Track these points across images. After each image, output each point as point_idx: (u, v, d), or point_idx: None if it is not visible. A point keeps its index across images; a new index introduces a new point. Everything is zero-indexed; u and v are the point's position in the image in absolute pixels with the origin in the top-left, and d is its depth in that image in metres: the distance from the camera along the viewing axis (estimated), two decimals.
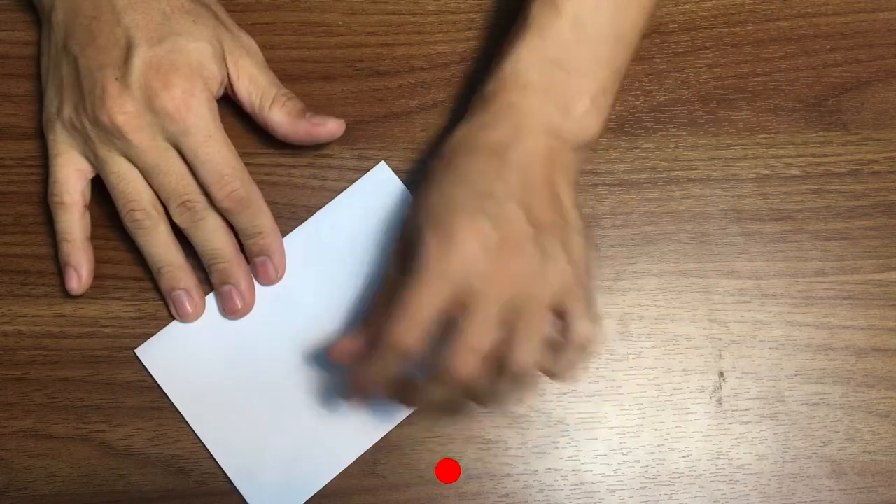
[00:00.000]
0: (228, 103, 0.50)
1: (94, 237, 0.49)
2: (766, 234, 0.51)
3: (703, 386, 0.49)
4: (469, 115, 0.46)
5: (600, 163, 0.52)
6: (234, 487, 0.47)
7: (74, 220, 0.48)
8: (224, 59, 0.48)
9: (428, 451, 0.48)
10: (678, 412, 0.49)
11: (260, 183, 0.49)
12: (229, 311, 0.48)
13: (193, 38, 0.46)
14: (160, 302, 0.49)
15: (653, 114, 0.53)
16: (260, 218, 0.48)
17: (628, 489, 0.48)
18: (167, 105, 0.45)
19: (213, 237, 0.48)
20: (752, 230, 0.51)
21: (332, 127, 0.49)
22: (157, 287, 0.49)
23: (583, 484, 0.48)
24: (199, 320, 0.49)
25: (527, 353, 0.41)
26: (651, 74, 0.53)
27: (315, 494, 0.47)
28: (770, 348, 0.50)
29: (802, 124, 0.53)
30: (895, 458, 0.49)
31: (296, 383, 0.48)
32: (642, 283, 0.51)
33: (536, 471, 0.48)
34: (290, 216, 0.50)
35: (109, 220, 0.49)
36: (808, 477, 0.48)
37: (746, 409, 0.49)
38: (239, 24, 0.51)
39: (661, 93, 0.53)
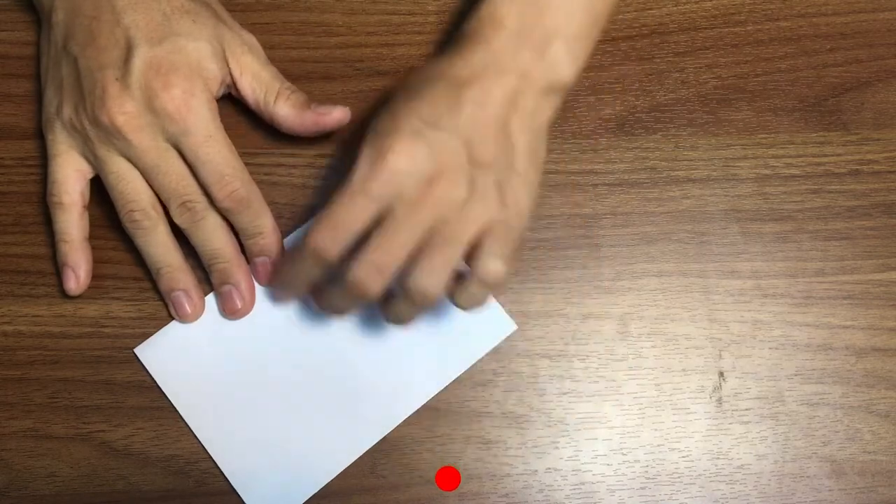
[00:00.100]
0: (229, 103, 0.50)
1: (93, 237, 0.49)
2: (766, 234, 0.51)
3: (703, 386, 0.49)
4: (446, 51, 0.47)
5: (600, 163, 0.52)
6: (234, 488, 0.47)
7: (73, 221, 0.48)
8: (225, 59, 0.48)
9: (428, 451, 0.48)
10: (678, 412, 0.49)
11: (260, 183, 0.49)
12: (229, 311, 0.48)
13: (193, 37, 0.46)
14: (160, 302, 0.49)
15: (653, 114, 0.53)
16: (260, 218, 0.48)
17: (628, 489, 0.48)
18: (167, 105, 0.45)
19: (214, 237, 0.48)
20: (752, 230, 0.51)
21: (337, 115, 0.49)
22: (156, 287, 0.49)
23: (583, 484, 0.48)
24: (198, 320, 0.49)
25: (427, 281, 0.43)
26: (651, 74, 0.53)
27: (314, 495, 0.47)
28: (770, 348, 0.50)
29: (802, 124, 0.53)
30: (895, 458, 0.49)
31: (295, 384, 0.48)
32: (642, 283, 0.51)
33: (536, 471, 0.48)
34: (290, 216, 0.51)
35: (109, 220, 0.49)
36: (808, 477, 0.48)
37: (746, 409, 0.49)
38: (239, 25, 0.51)
39: (661, 93, 0.53)
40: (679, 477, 0.48)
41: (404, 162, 0.42)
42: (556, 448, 0.48)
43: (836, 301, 0.51)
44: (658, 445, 0.49)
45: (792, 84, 0.54)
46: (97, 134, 0.46)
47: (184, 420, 0.48)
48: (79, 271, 0.48)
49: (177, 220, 0.47)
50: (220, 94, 0.49)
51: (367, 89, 0.53)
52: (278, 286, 0.48)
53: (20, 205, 0.50)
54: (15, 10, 0.53)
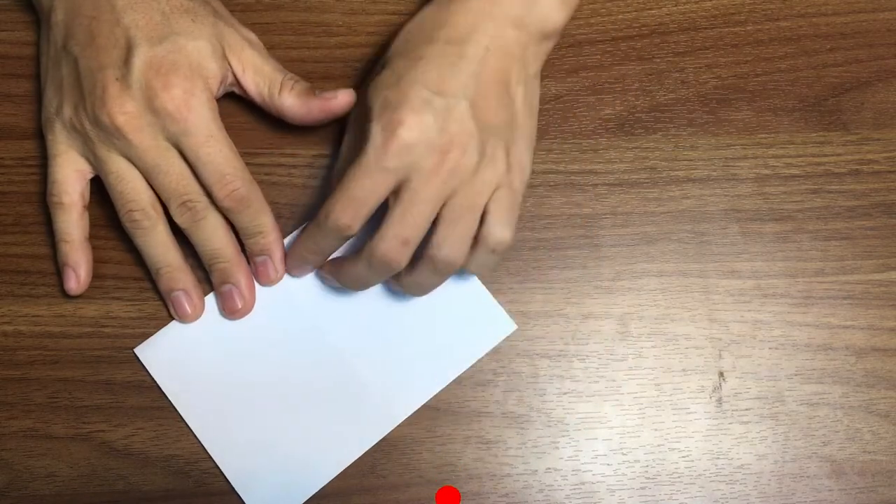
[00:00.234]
0: (229, 103, 0.50)
1: (93, 237, 0.49)
2: (766, 234, 0.51)
3: (703, 386, 0.49)
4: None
5: (600, 163, 0.52)
6: (234, 488, 0.47)
7: (73, 221, 0.48)
8: (225, 57, 0.48)
9: (428, 451, 0.48)
10: (678, 412, 0.49)
11: (260, 183, 0.49)
12: (229, 310, 0.48)
13: (193, 37, 0.46)
14: (160, 302, 0.49)
15: (653, 114, 0.53)
16: (261, 217, 0.48)
17: (628, 489, 0.48)
18: (168, 105, 0.45)
19: (214, 237, 0.48)
20: (752, 230, 0.51)
21: (343, 98, 0.48)
22: (157, 287, 0.49)
23: (583, 484, 0.48)
24: (198, 320, 0.49)
25: (451, 250, 0.44)
26: (651, 74, 0.53)
27: (314, 495, 0.47)
28: (770, 348, 0.50)
29: (802, 124, 0.53)
30: (895, 458, 0.49)
31: (295, 384, 0.48)
32: (642, 283, 0.51)
33: (536, 471, 0.48)
34: (290, 216, 0.51)
35: (109, 220, 0.49)
36: (808, 477, 0.48)
37: (746, 409, 0.49)
38: (238, 21, 0.51)
39: (661, 93, 0.53)
40: (679, 477, 0.48)
41: (416, 135, 0.43)
42: (556, 448, 0.48)
43: (836, 301, 0.51)
44: (658, 445, 0.49)
45: (792, 84, 0.54)
46: (97, 134, 0.46)
47: (184, 420, 0.48)
48: (79, 271, 0.48)
49: (177, 220, 0.47)
50: (221, 93, 0.49)
51: None
52: (295, 261, 0.49)
53: (20, 205, 0.50)
54: (15, 10, 0.53)
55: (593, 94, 0.53)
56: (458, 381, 0.49)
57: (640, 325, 0.50)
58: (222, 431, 0.47)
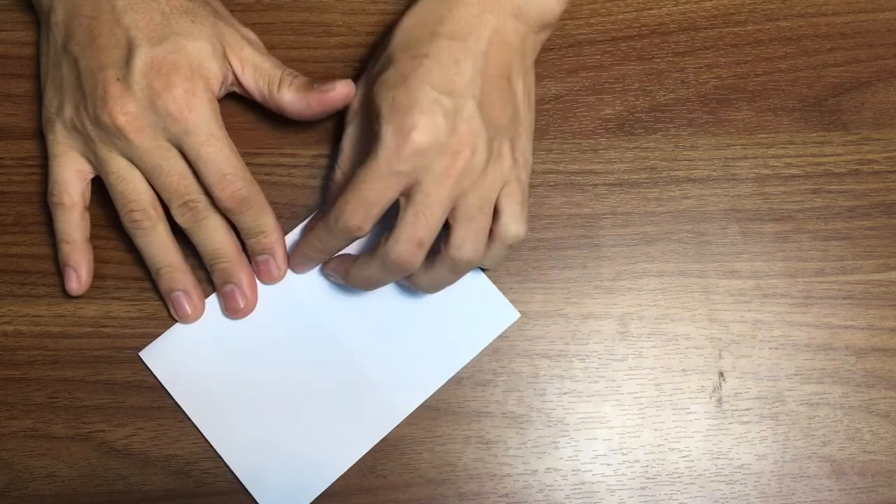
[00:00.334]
0: (229, 103, 0.50)
1: (93, 237, 0.49)
2: (766, 234, 0.51)
3: (703, 386, 0.49)
4: None
5: (600, 163, 0.52)
6: (234, 487, 0.47)
7: (74, 222, 0.48)
8: (226, 56, 0.48)
9: (428, 451, 0.48)
10: (678, 412, 0.49)
11: (260, 183, 0.49)
12: (231, 310, 0.48)
13: (193, 37, 0.46)
14: (160, 302, 0.49)
15: (653, 114, 0.53)
16: (262, 217, 0.48)
17: (628, 489, 0.48)
18: (169, 105, 0.45)
19: (215, 237, 0.48)
20: (752, 230, 0.51)
21: (341, 89, 0.48)
22: (157, 287, 0.49)
23: (583, 484, 0.48)
24: (202, 321, 0.49)
25: (468, 249, 0.45)
26: (651, 74, 0.53)
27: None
28: (770, 348, 0.50)
29: (802, 124, 0.53)
30: (895, 458, 0.49)
31: (300, 381, 0.48)
32: (642, 283, 0.51)
33: (536, 471, 0.48)
34: (290, 216, 0.51)
35: (109, 220, 0.49)
36: (808, 477, 0.48)
37: (746, 409, 0.49)
38: (237, 20, 0.51)
39: (661, 93, 0.53)
40: (679, 477, 0.48)
41: (429, 138, 0.43)
42: (556, 448, 0.48)
43: (836, 301, 0.51)
44: (658, 445, 0.49)
45: (792, 84, 0.54)
46: (98, 134, 0.46)
47: (185, 420, 0.48)
48: (80, 271, 0.48)
49: (178, 220, 0.47)
50: (222, 93, 0.49)
51: None
52: (300, 259, 0.49)
53: (20, 205, 0.50)
54: (15, 10, 0.53)
55: (593, 94, 0.53)
56: (458, 381, 0.49)
57: (640, 325, 0.50)
58: (231, 432, 0.47)
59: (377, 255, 0.45)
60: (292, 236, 0.50)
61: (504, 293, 0.50)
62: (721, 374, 0.50)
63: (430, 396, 0.48)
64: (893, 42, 0.55)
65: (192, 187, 0.46)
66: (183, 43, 0.46)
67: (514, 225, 0.46)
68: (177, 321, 0.49)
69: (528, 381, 0.49)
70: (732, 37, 0.54)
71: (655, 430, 0.49)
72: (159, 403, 0.48)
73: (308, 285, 0.49)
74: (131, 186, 0.47)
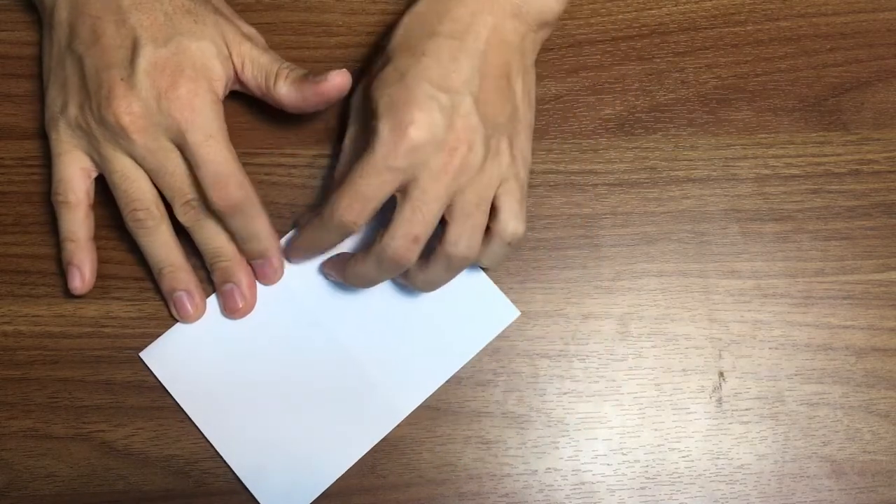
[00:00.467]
0: (230, 103, 0.50)
1: (94, 237, 0.49)
2: (766, 234, 0.51)
3: (703, 386, 0.49)
4: None
5: (600, 163, 0.52)
6: (234, 487, 0.47)
7: (79, 220, 0.48)
8: (228, 55, 0.48)
9: (428, 451, 0.48)
10: (678, 412, 0.49)
11: (260, 183, 0.49)
12: (230, 310, 0.48)
13: (196, 38, 0.46)
14: (160, 302, 0.49)
15: (653, 114, 0.53)
16: (254, 223, 0.47)
17: (628, 489, 0.48)
18: (172, 105, 0.45)
19: (216, 236, 0.48)
20: (752, 230, 0.51)
21: (335, 79, 0.47)
22: (157, 287, 0.49)
23: (583, 484, 0.48)
24: (203, 321, 0.49)
25: (464, 246, 0.45)
26: (651, 74, 0.53)
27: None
28: (770, 348, 0.50)
29: (802, 124, 0.53)
30: (895, 458, 0.49)
31: (301, 380, 0.48)
32: (642, 283, 0.51)
33: (536, 471, 0.48)
34: (290, 216, 0.51)
35: (109, 220, 0.49)
36: (808, 477, 0.48)
37: (746, 409, 0.49)
38: (238, 15, 0.51)
39: (661, 93, 0.53)
40: (679, 477, 0.48)
41: (425, 134, 0.43)
42: (556, 448, 0.48)
43: (836, 301, 0.51)
44: (658, 445, 0.49)
45: (792, 84, 0.54)
46: (103, 133, 0.46)
47: (185, 420, 0.48)
48: (84, 270, 0.48)
49: (180, 219, 0.47)
50: (226, 92, 0.48)
51: None
52: (295, 253, 0.49)
53: (20, 205, 0.50)
54: (15, 10, 0.53)
55: (593, 94, 0.53)
56: (457, 381, 0.49)
57: (640, 325, 0.50)
58: (231, 432, 0.47)
59: (373, 252, 0.45)
60: (289, 237, 0.50)
61: (504, 293, 0.50)
62: (721, 374, 0.50)
63: (430, 396, 0.48)
64: (893, 42, 0.55)
65: (194, 187, 0.46)
66: (187, 44, 0.46)
67: (512, 222, 0.46)
68: (178, 321, 0.49)
69: (528, 381, 0.49)
70: (732, 37, 0.54)
71: (655, 430, 0.49)
72: (159, 403, 0.48)
73: (308, 286, 0.49)
74: (135, 185, 0.47)
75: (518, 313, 0.50)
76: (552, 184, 0.52)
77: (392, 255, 0.44)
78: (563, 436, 0.49)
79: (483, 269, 0.50)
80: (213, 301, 0.49)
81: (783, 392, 0.49)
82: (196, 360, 0.48)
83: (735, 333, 0.50)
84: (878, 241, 0.51)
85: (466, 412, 0.49)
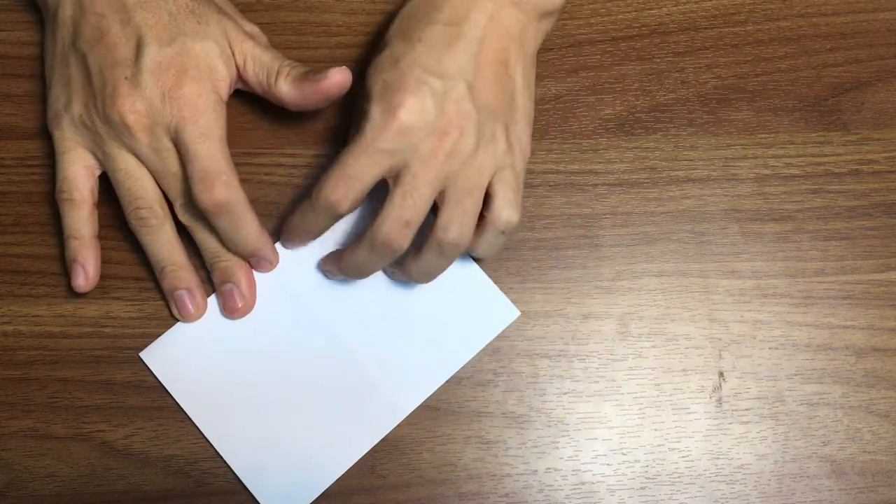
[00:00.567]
0: (230, 104, 0.50)
1: (98, 238, 0.49)
2: (766, 234, 0.51)
3: (703, 386, 0.49)
4: None
5: (600, 163, 0.52)
6: (234, 487, 0.47)
7: (83, 217, 0.48)
8: (232, 55, 0.48)
9: (428, 451, 0.48)
10: (678, 412, 0.49)
11: (260, 183, 0.49)
12: (229, 310, 0.48)
13: (200, 38, 0.47)
14: (160, 302, 0.49)
15: (653, 114, 0.53)
16: (241, 224, 0.46)
17: (628, 489, 0.48)
18: (174, 105, 0.45)
19: (216, 236, 0.48)
20: (752, 230, 0.51)
21: (337, 77, 0.47)
22: (157, 287, 0.49)
23: (583, 484, 0.48)
24: (203, 321, 0.49)
25: (455, 232, 0.45)
26: (651, 74, 0.53)
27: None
28: (770, 348, 0.50)
29: (802, 124, 0.53)
30: (895, 458, 0.49)
31: (301, 380, 0.48)
32: (642, 283, 0.51)
33: (536, 471, 0.48)
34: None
35: (110, 220, 0.49)
36: (808, 477, 0.48)
37: (746, 409, 0.49)
38: (241, 14, 0.51)
39: (661, 93, 0.53)
40: (679, 477, 0.48)
41: (415, 117, 0.44)
42: (556, 448, 0.48)
43: (836, 301, 0.51)
44: (658, 445, 0.49)
45: (792, 84, 0.54)
46: (107, 131, 0.46)
47: (185, 420, 0.48)
48: (88, 268, 0.48)
49: (181, 218, 0.47)
50: (230, 92, 0.48)
51: None
52: (287, 238, 0.49)
53: (20, 205, 0.50)
54: (15, 10, 0.53)
55: (593, 94, 0.53)
56: (457, 381, 0.49)
57: (640, 325, 0.50)
58: (231, 431, 0.47)
59: (366, 238, 0.45)
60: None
61: (504, 293, 0.50)
62: (721, 374, 0.50)
63: (430, 396, 0.48)
64: (893, 42, 0.55)
65: None
66: (191, 44, 0.46)
67: (506, 210, 0.46)
68: (178, 320, 0.49)
69: (528, 381, 0.49)
70: (732, 37, 0.54)
71: (655, 430, 0.49)
72: (159, 403, 0.48)
73: (308, 286, 0.49)
74: (139, 184, 0.47)
75: (518, 313, 0.50)
76: (552, 184, 0.52)
77: (383, 239, 0.44)
78: (563, 436, 0.49)
79: (478, 260, 0.50)
80: (213, 301, 0.49)
81: (783, 392, 0.49)
82: (196, 360, 0.48)
83: (735, 333, 0.50)
84: (878, 241, 0.51)
85: (466, 412, 0.49)
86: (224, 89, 0.47)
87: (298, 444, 0.47)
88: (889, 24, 0.55)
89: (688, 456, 0.49)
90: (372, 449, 0.48)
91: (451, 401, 0.49)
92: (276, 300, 0.49)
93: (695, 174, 0.52)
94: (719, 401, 0.49)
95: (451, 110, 0.44)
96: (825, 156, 0.53)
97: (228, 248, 0.48)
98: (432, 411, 0.48)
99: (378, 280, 0.50)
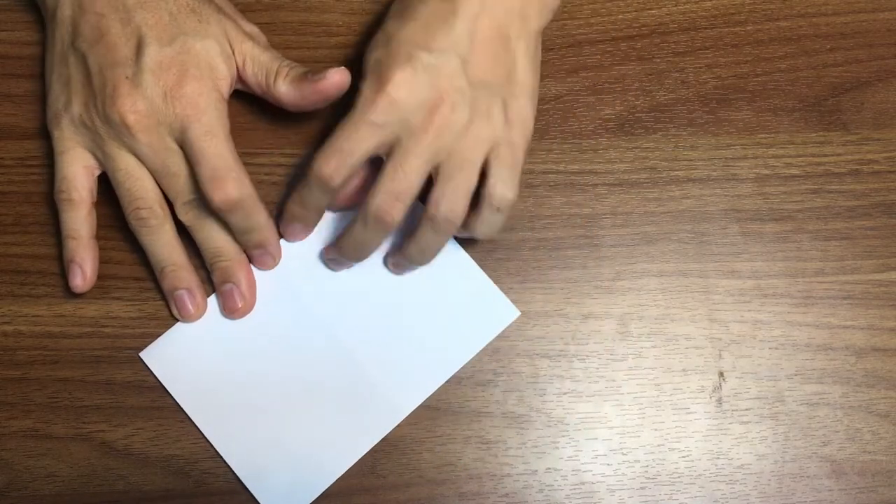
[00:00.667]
0: (230, 104, 0.50)
1: (95, 236, 0.49)
2: (766, 234, 0.51)
3: (703, 386, 0.49)
4: None
5: (600, 163, 0.52)
6: (234, 487, 0.47)
7: (81, 218, 0.48)
8: (232, 54, 0.48)
9: (428, 451, 0.48)
10: (678, 412, 0.49)
11: (260, 183, 0.49)
12: (229, 309, 0.48)
13: (201, 37, 0.47)
14: (160, 302, 0.49)
15: (653, 114, 0.53)
16: (253, 218, 0.47)
17: (628, 489, 0.48)
18: (177, 104, 0.45)
19: (217, 236, 0.48)
20: (752, 230, 0.51)
21: (334, 77, 0.47)
22: (157, 287, 0.49)
23: (583, 484, 0.48)
24: (203, 321, 0.49)
25: (448, 207, 0.45)
26: (651, 74, 0.53)
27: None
28: (770, 348, 0.50)
29: (802, 124, 0.53)
30: (895, 458, 0.49)
31: (302, 380, 0.48)
32: (642, 283, 0.51)
33: (536, 471, 0.48)
34: None
35: (110, 219, 0.49)
36: (808, 477, 0.48)
37: (746, 409, 0.49)
38: (241, 14, 0.51)
39: (661, 93, 0.53)
40: (679, 477, 0.48)
41: (404, 92, 0.44)
42: (556, 448, 0.48)
43: (836, 301, 0.51)
44: (658, 445, 0.49)
45: (792, 84, 0.54)
46: (108, 131, 0.46)
47: (185, 420, 0.48)
48: (86, 268, 0.48)
49: (181, 218, 0.47)
50: (230, 91, 0.48)
51: None
52: (286, 220, 0.49)
53: (20, 205, 0.50)
54: (15, 10, 0.53)
55: (593, 94, 0.53)
56: (458, 381, 0.49)
57: (640, 325, 0.50)
58: (231, 431, 0.47)
59: (360, 215, 0.45)
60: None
61: (504, 293, 0.50)
62: (721, 374, 0.50)
63: (430, 396, 0.48)
64: (893, 42, 0.55)
65: (196, 187, 0.46)
66: (192, 43, 0.46)
67: (499, 186, 0.45)
68: (178, 320, 0.49)
69: (528, 381, 0.49)
70: (732, 37, 0.54)
71: (655, 430, 0.49)
72: (159, 403, 0.48)
73: (308, 286, 0.49)
74: (139, 184, 0.47)
75: (518, 313, 0.50)
76: (552, 184, 0.52)
77: (375, 212, 0.45)
78: (563, 436, 0.49)
79: (471, 241, 0.50)
80: (212, 301, 0.49)
81: (783, 392, 0.49)
82: (196, 360, 0.48)
83: (735, 333, 0.50)
84: (878, 241, 0.51)
85: (466, 412, 0.49)
86: (225, 88, 0.47)
87: (298, 444, 0.47)
88: (889, 24, 0.55)
89: (688, 456, 0.49)
90: (372, 449, 0.48)
91: (451, 401, 0.49)
92: (276, 300, 0.49)
93: (695, 174, 0.52)
94: (719, 401, 0.49)
95: (443, 85, 0.44)
96: (825, 156, 0.53)
97: (239, 239, 0.48)
98: (432, 411, 0.48)
99: (378, 280, 0.50)
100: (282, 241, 0.50)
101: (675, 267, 0.51)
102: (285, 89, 0.48)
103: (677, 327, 0.50)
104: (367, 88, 0.45)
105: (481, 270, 0.50)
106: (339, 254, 0.48)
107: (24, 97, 0.52)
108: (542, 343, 0.50)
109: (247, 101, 0.51)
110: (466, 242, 0.50)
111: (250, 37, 0.49)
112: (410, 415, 0.48)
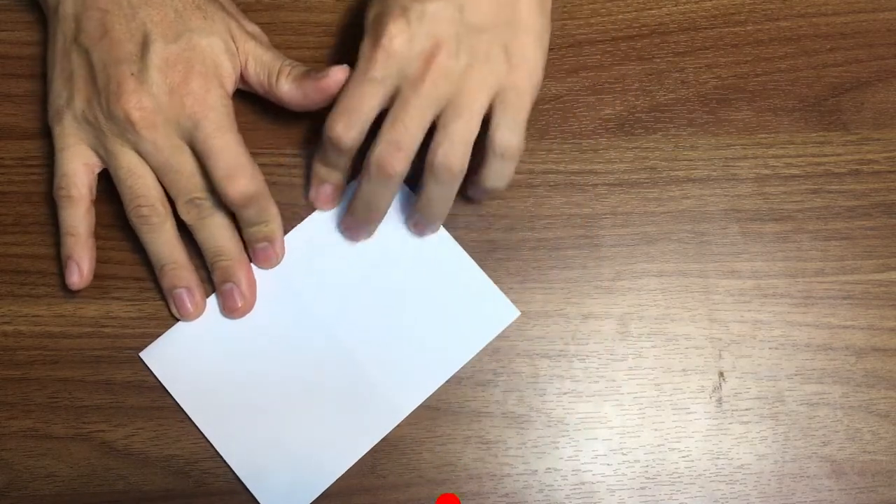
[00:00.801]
0: (234, 104, 0.50)
1: (94, 236, 0.49)
2: (766, 234, 0.51)
3: (703, 386, 0.49)
4: None
5: (600, 163, 0.52)
6: (234, 487, 0.47)
7: (80, 215, 0.48)
8: (237, 52, 0.48)
9: (428, 451, 0.48)
10: (678, 412, 0.49)
11: None
12: (229, 309, 0.48)
13: (206, 34, 0.47)
14: (160, 302, 0.49)
15: (653, 114, 0.53)
16: (266, 211, 0.48)
17: (628, 489, 0.48)
18: (183, 101, 0.45)
19: (218, 235, 0.48)
20: (752, 230, 0.51)
21: (336, 75, 0.47)
22: (157, 287, 0.49)
23: (583, 484, 0.48)
24: (203, 321, 0.49)
25: (448, 154, 0.45)
26: (651, 74, 0.53)
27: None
28: (770, 348, 0.50)
29: (802, 124, 0.53)
30: (895, 458, 0.49)
31: (302, 380, 0.48)
32: (642, 283, 0.51)
33: (536, 471, 0.48)
34: (290, 216, 0.50)
35: (110, 219, 0.49)
36: (808, 477, 0.48)
37: (746, 409, 0.49)
38: (244, 15, 0.51)
39: (661, 93, 0.53)
40: (679, 477, 0.48)
41: (400, 43, 0.44)
42: (556, 448, 0.48)
43: (836, 301, 0.51)
44: (658, 445, 0.49)
45: (792, 84, 0.54)
46: (111, 128, 0.46)
47: (185, 420, 0.48)
48: (83, 265, 0.48)
49: (183, 217, 0.47)
50: (234, 89, 0.49)
51: None
52: (314, 187, 0.50)
53: (20, 205, 0.50)
54: (15, 10, 0.53)
55: (593, 94, 0.53)
56: (458, 381, 0.49)
57: (640, 325, 0.50)
58: (231, 431, 0.47)
59: (364, 170, 0.46)
60: (291, 236, 0.50)
61: (504, 293, 0.50)
62: (721, 374, 0.50)
63: (430, 396, 0.48)
64: (893, 42, 0.55)
65: (199, 185, 0.47)
66: (197, 40, 0.46)
67: (500, 132, 0.45)
68: (178, 320, 0.49)
69: (528, 381, 0.49)
70: (732, 37, 0.54)
71: (655, 430, 0.49)
72: (159, 403, 0.48)
73: (308, 285, 0.49)
74: (141, 182, 0.47)
75: (518, 313, 0.50)
76: (552, 184, 0.52)
77: (377, 163, 0.45)
78: (563, 436, 0.49)
79: (467, 231, 0.49)
80: (212, 301, 0.49)
81: (783, 392, 0.49)
82: (196, 360, 0.48)
83: (735, 333, 0.50)
84: (878, 241, 0.51)
85: (466, 412, 0.49)
86: (230, 85, 0.47)
87: (298, 444, 0.47)
88: (889, 24, 0.55)
89: (688, 456, 0.49)
90: (372, 449, 0.48)
91: (451, 401, 0.49)
92: (276, 300, 0.49)
93: (695, 174, 0.52)
94: (719, 401, 0.49)
95: (440, 32, 0.44)
96: (825, 156, 0.53)
97: (247, 230, 0.48)
98: (432, 411, 0.48)
99: (379, 280, 0.50)
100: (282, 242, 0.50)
101: (675, 267, 0.51)
102: (287, 88, 0.48)
103: (677, 327, 0.50)
104: (365, 46, 0.45)
105: (481, 270, 0.50)
106: (352, 219, 0.49)
107: (24, 97, 0.52)
108: (542, 343, 0.50)
109: (248, 101, 0.51)
110: (466, 242, 0.50)
111: (253, 36, 0.49)
112: (410, 415, 0.48)
